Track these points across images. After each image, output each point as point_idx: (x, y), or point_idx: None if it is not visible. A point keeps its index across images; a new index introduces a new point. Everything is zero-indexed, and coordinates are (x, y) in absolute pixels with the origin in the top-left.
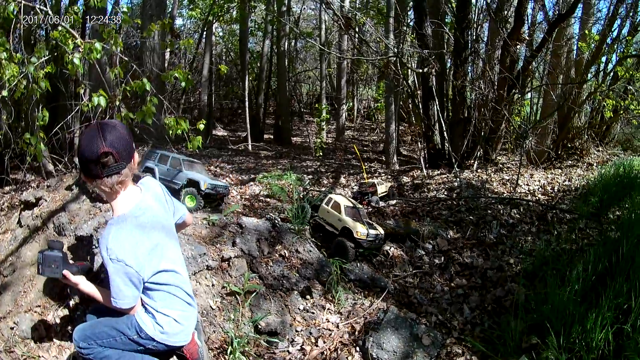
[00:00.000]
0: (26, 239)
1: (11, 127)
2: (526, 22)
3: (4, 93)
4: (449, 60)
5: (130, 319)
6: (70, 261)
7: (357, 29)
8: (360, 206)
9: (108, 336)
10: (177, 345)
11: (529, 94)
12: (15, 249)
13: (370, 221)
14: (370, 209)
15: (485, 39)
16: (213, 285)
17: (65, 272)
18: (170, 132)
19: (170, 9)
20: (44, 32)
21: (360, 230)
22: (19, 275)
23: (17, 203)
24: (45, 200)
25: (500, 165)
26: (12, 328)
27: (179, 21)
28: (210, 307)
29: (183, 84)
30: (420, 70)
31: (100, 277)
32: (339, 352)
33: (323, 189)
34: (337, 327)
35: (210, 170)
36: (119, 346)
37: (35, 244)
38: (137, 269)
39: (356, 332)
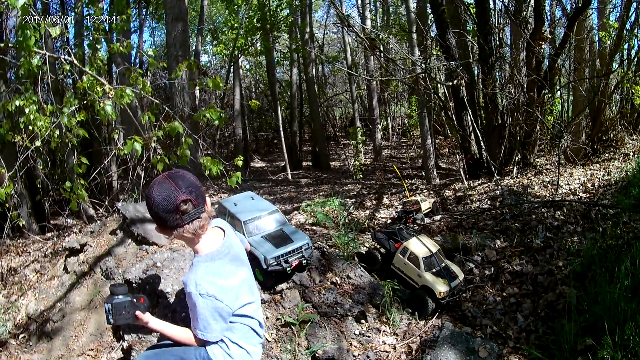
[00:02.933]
0: (73, 285)
1: (47, 175)
2: (546, 20)
3: (37, 143)
4: (476, 68)
5: (198, 350)
6: (134, 299)
7: (382, 48)
8: (437, 247)
9: None
10: None
11: (559, 92)
12: (64, 294)
13: (447, 262)
14: (417, 227)
15: (508, 42)
16: (267, 318)
17: (137, 313)
18: (207, 172)
19: (194, 47)
20: (71, 81)
21: (443, 290)
22: (69, 320)
23: (60, 249)
24: (90, 246)
25: (539, 168)
26: None
27: (204, 58)
28: (266, 339)
29: (216, 122)
30: (450, 83)
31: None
32: None
33: (367, 212)
34: (394, 348)
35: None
36: None
37: (84, 289)
38: (227, 302)
39: (413, 352)
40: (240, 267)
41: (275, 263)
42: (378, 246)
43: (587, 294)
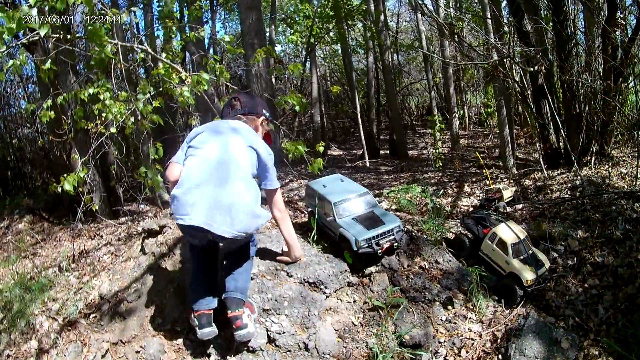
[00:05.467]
0: (151, 266)
1: (122, 162)
2: (618, 7)
3: (112, 130)
4: (551, 55)
5: None
6: None
7: (460, 34)
8: (524, 233)
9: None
10: (182, 224)
11: (632, 82)
12: (140, 275)
13: (534, 249)
14: (499, 215)
15: (582, 30)
16: (355, 301)
17: None
18: (290, 156)
19: (268, 35)
20: (143, 70)
21: (530, 278)
22: (145, 301)
23: (135, 233)
24: (170, 228)
25: (616, 159)
26: (137, 352)
27: (277, 47)
28: (353, 323)
29: (297, 108)
30: (531, 69)
31: None
32: None
33: (449, 200)
34: (480, 336)
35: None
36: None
37: (161, 269)
38: (194, 138)
39: (498, 340)
40: (244, 142)
41: (367, 245)
42: (465, 232)
43: None
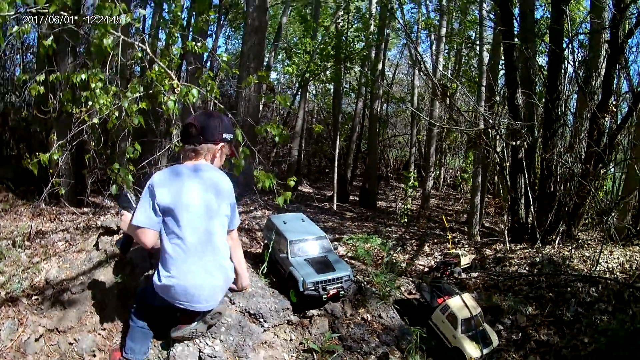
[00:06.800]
0: (101, 263)
1: (97, 153)
2: (613, 94)
3: (95, 120)
4: (537, 132)
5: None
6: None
7: (451, 97)
8: (479, 309)
9: None
10: (181, 307)
11: (612, 169)
12: (89, 270)
13: (486, 326)
14: (453, 280)
15: (572, 111)
16: (291, 340)
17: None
18: (259, 185)
19: (266, 61)
20: (139, 69)
21: (474, 356)
22: (87, 296)
23: (93, 226)
24: None
25: (581, 242)
26: (70, 344)
27: (273, 74)
28: None
29: (277, 138)
30: (514, 143)
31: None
32: None
33: (407, 257)
34: None
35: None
36: None
37: (110, 269)
38: (158, 191)
39: None
40: (200, 186)
41: (313, 288)
42: (418, 296)
43: None
